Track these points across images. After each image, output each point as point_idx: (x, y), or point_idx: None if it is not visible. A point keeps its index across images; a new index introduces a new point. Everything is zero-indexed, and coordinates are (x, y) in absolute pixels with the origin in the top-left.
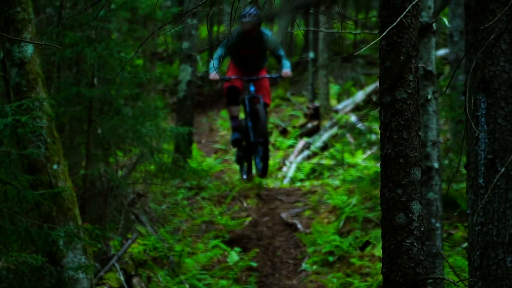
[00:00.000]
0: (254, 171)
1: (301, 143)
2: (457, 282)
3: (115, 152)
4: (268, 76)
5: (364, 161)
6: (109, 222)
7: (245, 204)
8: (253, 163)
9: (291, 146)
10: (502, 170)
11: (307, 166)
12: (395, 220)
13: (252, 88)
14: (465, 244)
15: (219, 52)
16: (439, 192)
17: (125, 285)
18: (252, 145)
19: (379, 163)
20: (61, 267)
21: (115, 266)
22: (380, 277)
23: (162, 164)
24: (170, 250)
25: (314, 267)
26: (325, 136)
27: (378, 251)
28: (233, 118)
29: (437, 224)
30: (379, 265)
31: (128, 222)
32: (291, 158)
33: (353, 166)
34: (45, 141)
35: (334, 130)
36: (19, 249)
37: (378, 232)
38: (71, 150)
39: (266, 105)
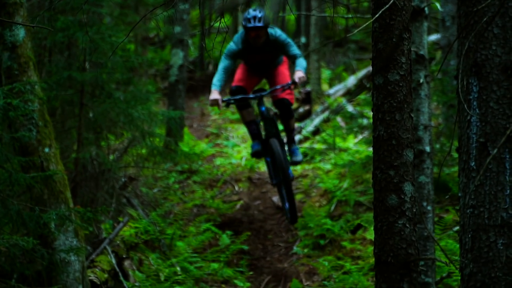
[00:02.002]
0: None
1: None
2: (449, 263)
3: (106, 136)
4: (279, 87)
5: (356, 145)
6: (100, 205)
7: (236, 188)
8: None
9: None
10: (494, 152)
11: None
12: (387, 201)
13: (263, 109)
14: (457, 228)
15: (223, 63)
16: (431, 175)
17: (117, 268)
18: (274, 185)
19: (371, 146)
20: (53, 250)
21: (106, 249)
22: (372, 260)
23: (154, 148)
24: (161, 233)
25: (305, 250)
26: (316, 120)
27: (370, 234)
28: (247, 123)
29: (429, 207)
30: (371, 248)
31: (120, 205)
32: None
33: (345, 150)
34: (37, 124)
35: (326, 115)
36: (10, 231)
37: (369, 215)
38: (63, 133)
39: (289, 104)
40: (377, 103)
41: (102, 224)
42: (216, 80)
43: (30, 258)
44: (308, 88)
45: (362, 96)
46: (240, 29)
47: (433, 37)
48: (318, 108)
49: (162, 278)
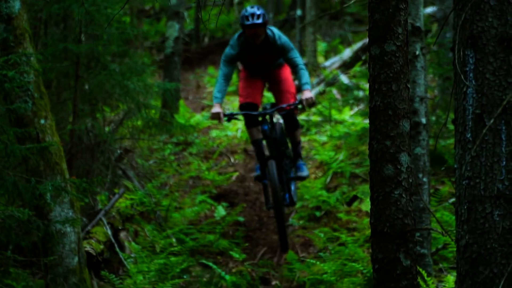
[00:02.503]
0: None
1: None
2: (445, 234)
3: (102, 108)
4: (285, 105)
5: (351, 117)
6: (96, 177)
7: (232, 160)
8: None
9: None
10: (490, 123)
11: None
12: (383, 172)
13: (265, 127)
14: (452, 199)
15: (222, 71)
16: (427, 147)
17: (112, 239)
18: (268, 209)
19: (367, 118)
20: (48, 221)
21: (102, 220)
22: (368, 232)
23: (149, 120)
24: (157, 205)
25: (301, 222)
26: (312, 92)
27: (365, 206)
28: (253, 142)
29: (424, 179)
30: (366, 220)
31: (115, 177)
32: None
33: (340, 122)
34: (32, 96)
35: (322, 87)
36: (6, 203)
37: (365, 187)
38: (58, 105)
39: (294, 115)
40: (374, 73)
41: (97, 195)
42: (217, 91)
43: (26, 229)
44: (304, 60)
45: (357, 68)
46: (235, 35)
47: (429, 9)
48: (313, 80)
49: (158, 250)
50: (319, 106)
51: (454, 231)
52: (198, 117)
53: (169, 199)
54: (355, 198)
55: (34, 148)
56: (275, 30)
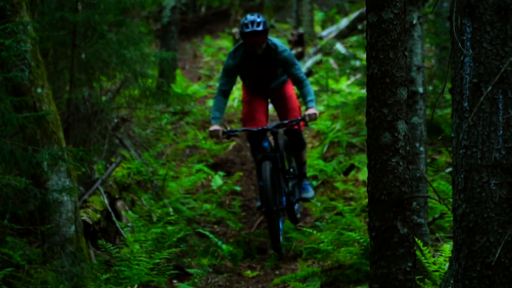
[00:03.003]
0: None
1: None
2: (442, 201)
3: (99, 77)
4: (287, 122)
5: (348, 87)
6: (93, 146)
7: (229, 128)
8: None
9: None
10: (487, 91)
11: None
12: (380, 139)
13: (265, 144)
14: (449, 169)
15: (221, 87)
16: (424, 116)
17: (109, 208)
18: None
19: (364, 88)
20: (45, 190)
21: (99, 189)
22: (364, 201)
23: (146, 89)
24: (154, 174)
25: None
26: (309, 62)
27: (362, 176)
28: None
29: (421, 148)
30: (363, 189)
31: (112, 146)
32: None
33: (337, 92)
34: (29, 64)
35: (318, 57)
36: (3, 172)
37: (361, 156)
38: (55, 74)
39: (300, 133)
40: (371, 41)
41: (94, 165)
42: (215, 110)
43: (23, 198)
44: (301, 30)
45: (354, 38)
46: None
47: None
48: (310, 50)
49: (155, 219)
50: (316, 76)
51: (451, 200)
52: (194, 87)
53: (165, 168)
54: (351, 167)
55: (31, 117)
56: (278, 42)
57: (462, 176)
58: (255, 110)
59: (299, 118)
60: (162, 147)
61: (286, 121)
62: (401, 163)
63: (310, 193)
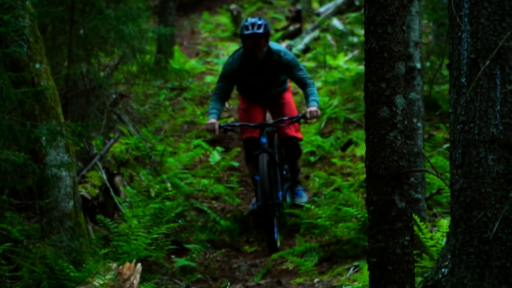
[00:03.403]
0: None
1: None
2: (440, 175)
3: (97, 53)
4: (287, 118)
5: (346, 63)
6: (91, 121)
7: (226, 105)
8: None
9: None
10: (485, 65)
11: None
12: (378, 114)
13: (263, 140)
14: (446, 145)
15: (218, 89)
16: (421, 92)
17: (108, 184)
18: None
19: (362, 64)
20: (44, 165)
21: (97, 165)
22: (362, 177)
23: (144, 65)
24: (152, 149)
25: None
26: (307, 38)
27: (360, 151)
28: (254, 180)
29: (419, 124)
30: (361, 164)
31: (110, 121)
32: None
33: (335, 68)
34: (28, 40)
35: (316, 33)
36: (1, 147)
37: (359, 132)
38: (53, 50)
39: (298, 143)
40: (369, 15)
41: (93, 140)
42: (211, 108)
43: (22, 173)
44: (299, 6)
45: (352, 14)
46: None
47: None
48: (308, 26)
49: (153, 194)
50: (314, 52)
51: (448, 176)
52: (192, 63)
53: (164, 144)
54: (349, 143)
55: (30, 92)
56: (280, 47)
57: (459, 151)
58: (253, 116)
59: (300, 115)
60: (160, 122)
61: (285, 117)
62: (399, 138)
63: (304, 198)
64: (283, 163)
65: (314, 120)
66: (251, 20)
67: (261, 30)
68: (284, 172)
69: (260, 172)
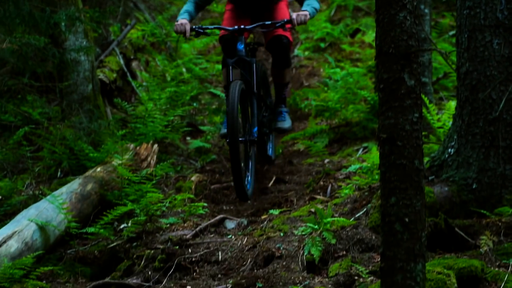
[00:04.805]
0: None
1: None
2: (448, 52)
3: None
4: (270, 22)
5: None
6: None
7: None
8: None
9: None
10: None
11: None
12: None
13: (240, 47)
14: (452, 32)
15: None
16: None
17: (125, 68)
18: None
19: None
20: (63, 50)
21: (115, 50)
22: (370, 62)
23: None
24: (167, 36)
25: (306, 53)
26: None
27: (368, 38)
28: (226, 87)
29: (426, 10)
30: (369, 51)
31: (127, 8)
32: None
33: None
34: None
35: None
36: (22, 32)
37: (368, 19)
38: None
39: (287, 45)
40: None
41: (110, 27)
42: (184, 10)
43: (42, 57)
44: None
45: None
46: None
47: None
48: None
49: (168, 78)
50: None
51: (455, 60)
52: None
53: None
54: (358, 30)
55: None
56: None
57: (465, 36)
58: (237, 18)
59: (286, 20)
60: (176, 10)
61: (268, 22)
62: (408, 18)
63: (287, 122)
64: (266, 93)
65: (302, 20)
66: None
67: None
68: (268, 103)
69: (230, 101)
